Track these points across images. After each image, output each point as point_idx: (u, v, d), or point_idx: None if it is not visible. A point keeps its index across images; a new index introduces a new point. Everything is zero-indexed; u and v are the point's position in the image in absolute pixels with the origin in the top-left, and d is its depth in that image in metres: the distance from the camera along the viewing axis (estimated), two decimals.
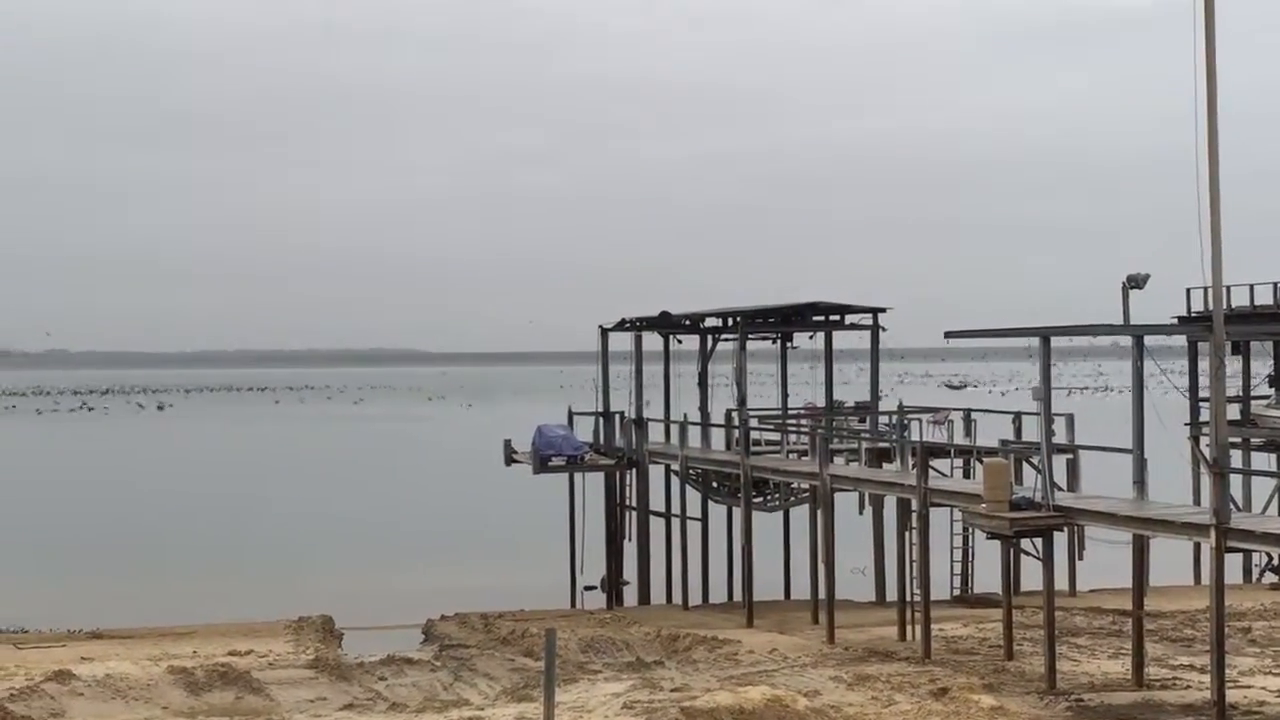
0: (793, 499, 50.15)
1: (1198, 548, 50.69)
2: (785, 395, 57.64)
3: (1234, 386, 53.45)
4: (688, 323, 57.34)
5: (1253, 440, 55.00)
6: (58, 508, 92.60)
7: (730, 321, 55.28)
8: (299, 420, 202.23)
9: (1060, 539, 38.43)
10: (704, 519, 54.15)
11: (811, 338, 56.34)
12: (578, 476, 56.79)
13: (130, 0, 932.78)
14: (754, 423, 53.23)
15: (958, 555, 49.60)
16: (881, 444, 49.97)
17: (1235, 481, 47.04)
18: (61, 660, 40.08)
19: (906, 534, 41.85)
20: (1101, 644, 40.75)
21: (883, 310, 53.90)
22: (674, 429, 54.56)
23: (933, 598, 40.73)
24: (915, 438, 47.96)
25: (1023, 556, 38.79)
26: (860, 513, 52.10)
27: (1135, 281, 38.15)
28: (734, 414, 53.18)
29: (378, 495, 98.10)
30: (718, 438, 55.40)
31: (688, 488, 53.53)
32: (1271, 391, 58.63)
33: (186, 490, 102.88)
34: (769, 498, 50.59)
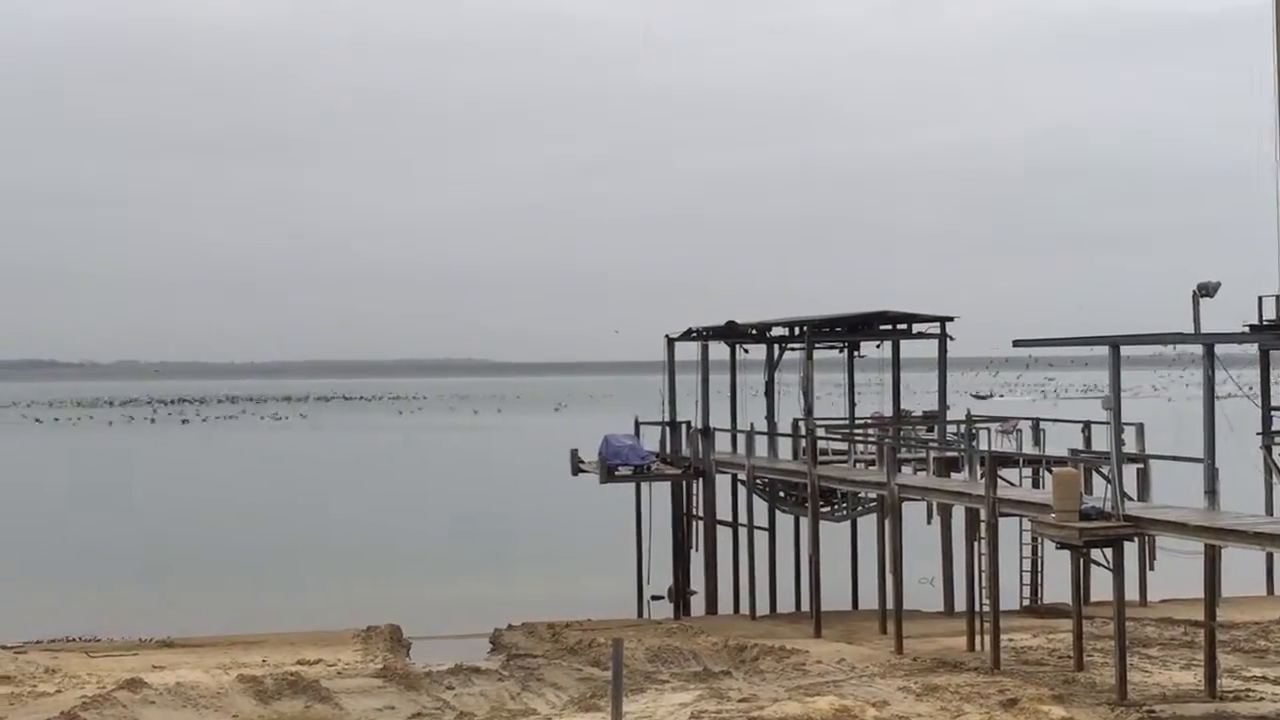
0: (860, 508, 49.98)
1: (1270, 558, 50.33)
2: (852, 404, 57.45)
3: None
4: (754, 332, 57.24)
5: None
6: (134, 517, 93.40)
7: (797, 331, 55.14)
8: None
9: (1131, 549, 38.17)
10: (771, 528, 54.01)
11: (879, 346, 56.07)
12: (644, 486, 56.81)
13: (189, 14, 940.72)
14: (821, 432, 53.06)
15: (1026, 565, 49.29)
16: (949, 453, 49.72)
17: None
18: (133, 669, 40.44)
19: (975, 544, 41.65)
20: (1173, 655, 40.38)
21: (950, 319, 53.60)
22: (741, 438, 54.48)
23: (1002, 608, 40.46)
24: (984, 447, 47.69)
25: (1093, 567, 38.50)
26: (928, 522, 51.82)
27: (1206, 290, 37.83)
28: (801, 423, 53.04)
29: (446, 504, 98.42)
30: (785, 447, 55.28)
31: (754, 497, 53.41)
32: None
33: (260, 500, 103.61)
34: (836, 507, 50.44)
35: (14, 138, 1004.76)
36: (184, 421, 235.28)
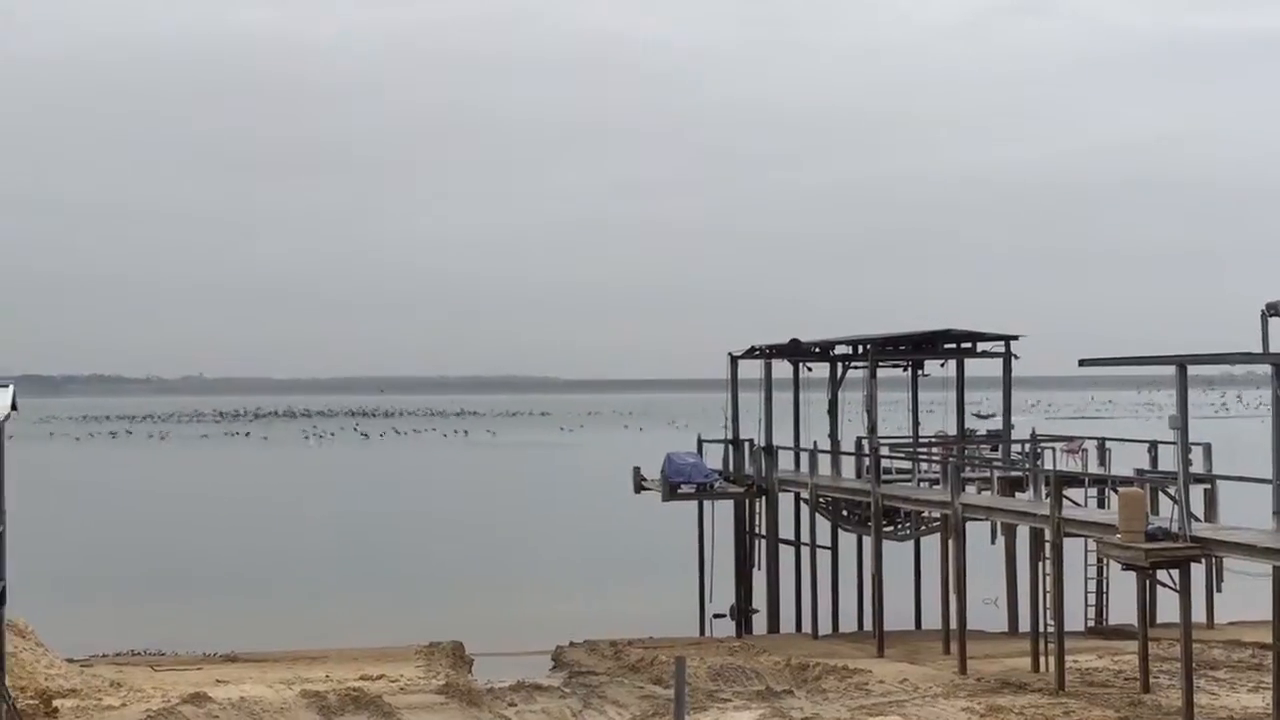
0: (924, 528, 49.77)
1: None
2: (916, 423, 57.22)
3: None
4: (818, 350, 57.12)
5: None
6: (197, 532, 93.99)
7: (861, 349, 54.99)
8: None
9: (1198, 570, 37.87)
10: (834, 547, 53.84)
11: (943, 365, 55.86)
12: (707, 504, 56.75)
13: (252, 32, 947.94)
14: (885, 451, 52.89)
15: (1092, 586, 48.97)
16: (1014, 473, 49.46)
17: None
18: (197, 683, 40.70)
19: (1039, 564, 41.40)
20: (1241, 678, 39.99)
21: (1015, 338, 53.31)
22: (804, 457, 54.37)
23: (1066, 629, 40.20)
24: (1049, 467, 47.41)
25: (1159, 588, 38.19)
26: (992, 542, 51.54)
27: (1275, 309, 37.40)
28: (865, 442, 52.89)
29: (509, 520, 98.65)
30: (848, 466, 55.11)
31: (817, 516, 53.27)
32: None
33: (325, 514, 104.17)
34: (900, 526, 50.26)
35: (78, 153, 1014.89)
36: (252, 436, 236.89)
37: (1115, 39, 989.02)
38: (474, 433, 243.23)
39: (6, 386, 31.78)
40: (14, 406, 31.50)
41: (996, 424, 59.55)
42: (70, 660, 43.78)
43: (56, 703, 37.49)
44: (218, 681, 41.24)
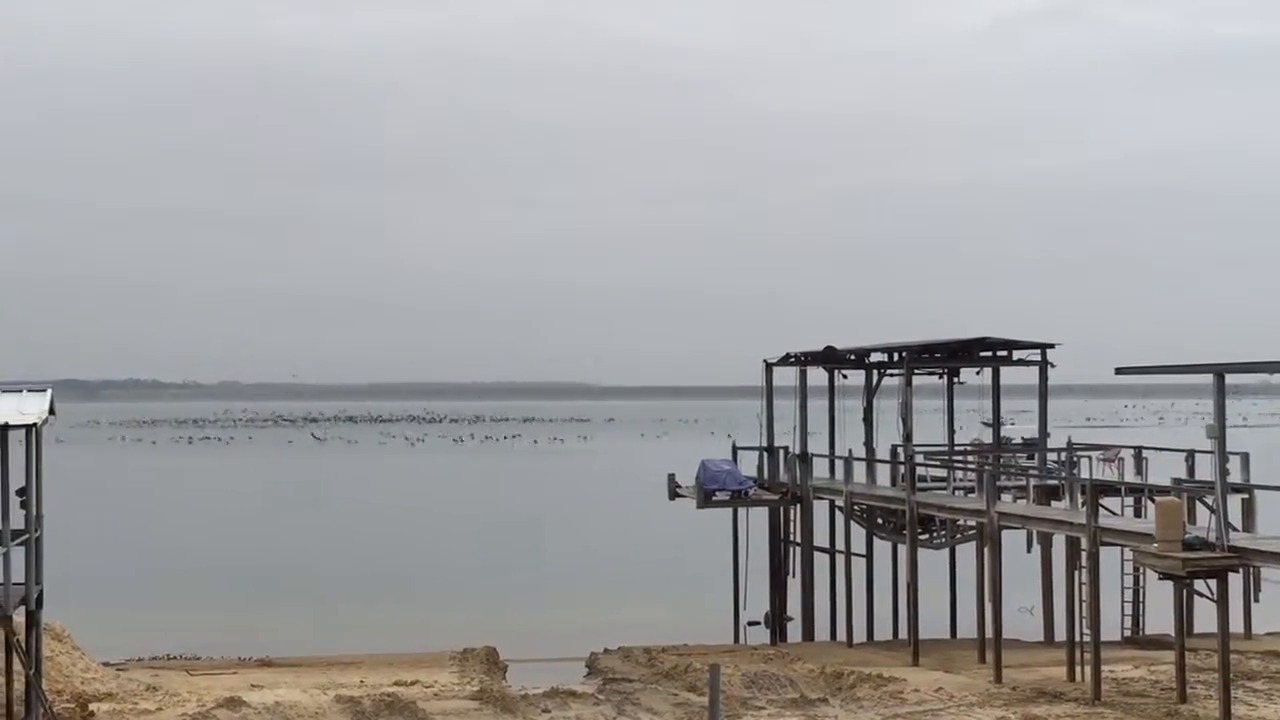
0: (959, 536, 49.64)
1: None
2: (951, 431, 57.05)
3: None
4: (853, 357, 57.00)
5: None
6: (233, 537, 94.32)
7: (896, 356, 54.87)
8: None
9: (1235, 580, 37.68)
10: (869, 555, 53.67)
11: (979, 373, 55.67)
12: (741, 511, 56.68)
13: (284, 38, 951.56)
14: (920, 459, 52.77)
15: (1128, 595, 48.74)
16: (1050, 481, 49.28)
17: None
18: (232, 687, 40.84)
19: (1076, 573, 41.23)
20: (1279, 688, 39.76)
21: (1051, 346, 53.12)
22: (839, 464, 54.27)
23: (1103, 638, 40.03)
24: (1085, 475, 47.22)
25: (1196, 598, 38.00)
26: (1028, 550, 51.38)
27: None
28: (900, 450, 52.75)
29: (543, 527, 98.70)
30: (883, 474, 54.98)
31: (852, 523, 53.17)
32: None
33: (357, 521, 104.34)
34: (935, 534, 50.12)
35: (114, 159, 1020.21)
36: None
37: (1145, 45, 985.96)
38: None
39: (44, 391, 31.95)
40: (51, 411, 31.66)
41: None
42: (106, 664, 43.98)
43: (92, 706, 37.67)
44: (253, 686, 41.38)
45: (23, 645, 32.09)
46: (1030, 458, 54.90)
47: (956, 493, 50.37)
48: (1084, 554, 39.93)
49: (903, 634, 50.66)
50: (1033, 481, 48.78)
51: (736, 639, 54.43)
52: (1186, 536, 35.06)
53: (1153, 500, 40.29)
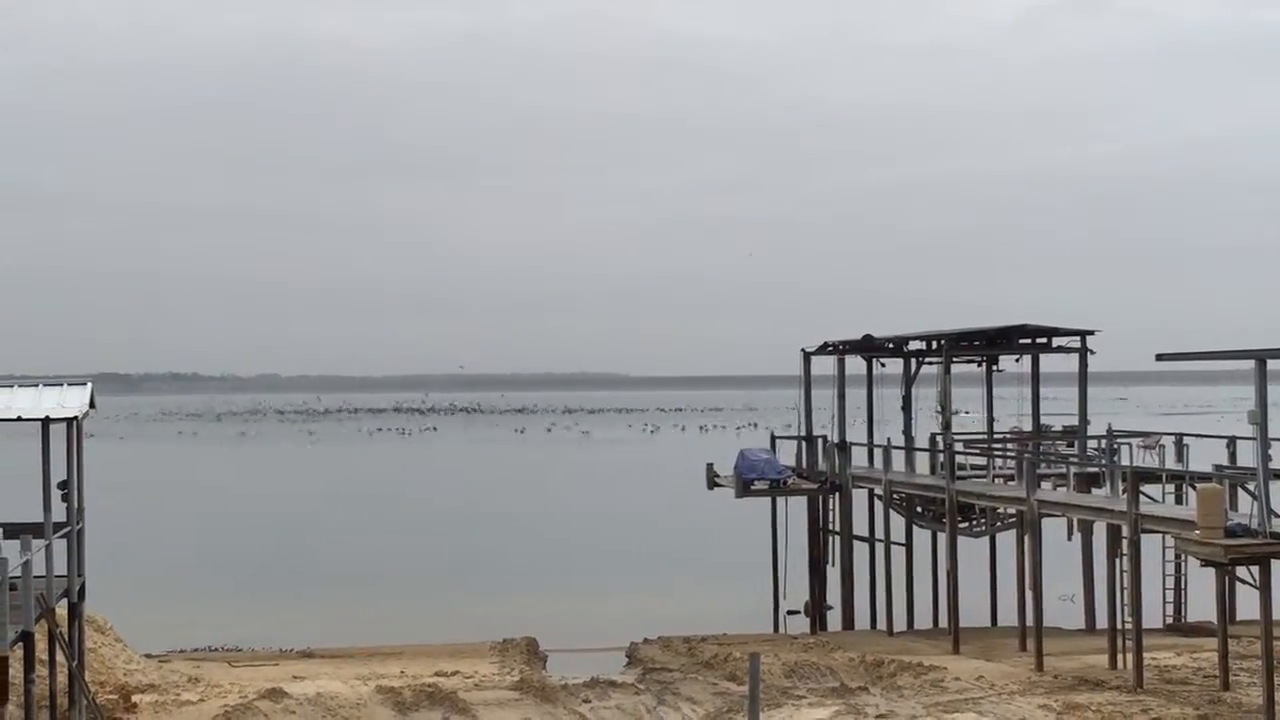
0: (999, 524, 49.49)
1: None
2: (991, 419, 56.87)
3: None
4: (891, 346, 56.84)
5: None
6: (274, 530, 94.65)
7: (934, 344, 54.68)
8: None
9: (1278, 567, 37.39)
10: (908, 544, 53.53)
11: (1018, 360, 55.42)
12: (780, 500, 56.64)
13: (320, 35, 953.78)
14: (959, 447, 52.59)
15: (1170, 583, 48.53)
16: (1090, 469, 49.06)
17: None
18: (274, 679, 40.98)
19: (1117, 560, 41.05)
20: None
21: (1090, 333, 52.81)
22: (877, 453, 54.16)
23: (1144, 626, 39.85)
24: (1125, 462, 47.00)
25: (1238, 585, 37.78)
26: (1068, 538, 51.18)
27: None
28: (939, 438, 52.63)
29: (583, 517, 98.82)
30: (922, 462, 54.84)
31: (891, 512, 53.05)
32: None
33: (403, 511, 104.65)
34: (975, 522, 49.98)
35: (153, 156, 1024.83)
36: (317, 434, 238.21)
37: (1178, 34, 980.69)
38: (551, 430, 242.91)
39: (85, 384, 32.08)
40: (92, 404, 31.80)
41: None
42: (148, 656, 44.21)
43: (135, 698, 37.88)
44: (294, 677, 41.52)
45: (65, 637, 32.26)
46: (1070, 445, 54.66)
47: (996, 481, 50.20)
48: (1125, 541, 39.74)
49: (943, 622, 50.52)
50: (1073, 469, 48.58)
51: (776, 628, 54.43)
52: (1228, 523, 34.84)
53: (1194, 487, 40.03)
